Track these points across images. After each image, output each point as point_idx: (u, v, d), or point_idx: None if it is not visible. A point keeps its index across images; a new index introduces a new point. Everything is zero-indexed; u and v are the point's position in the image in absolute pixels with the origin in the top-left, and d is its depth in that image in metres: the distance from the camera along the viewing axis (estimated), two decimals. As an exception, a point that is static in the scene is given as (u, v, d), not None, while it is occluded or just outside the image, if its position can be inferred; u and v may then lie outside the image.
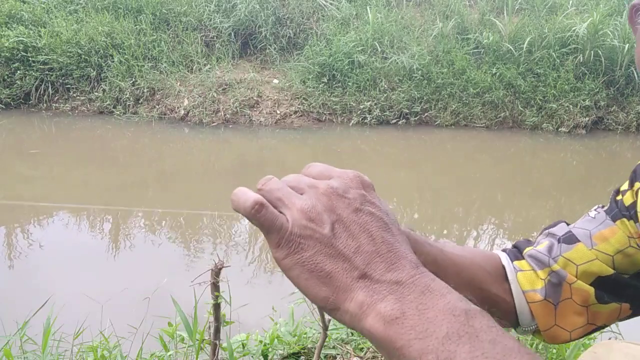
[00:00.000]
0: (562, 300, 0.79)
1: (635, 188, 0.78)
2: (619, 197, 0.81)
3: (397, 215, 4.91)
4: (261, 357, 1.90)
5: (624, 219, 0.79)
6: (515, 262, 0.84)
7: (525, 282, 0.81)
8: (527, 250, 0.84)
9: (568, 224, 0.86)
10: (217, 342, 1.68)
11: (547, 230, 0.87)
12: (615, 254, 0.78)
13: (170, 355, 1.89)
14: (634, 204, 0.77)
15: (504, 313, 0.82)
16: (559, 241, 0.82)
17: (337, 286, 0.45)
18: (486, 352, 0.39)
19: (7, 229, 4.05)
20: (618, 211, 0.80)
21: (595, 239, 0.80)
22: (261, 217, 0.47)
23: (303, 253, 0.46)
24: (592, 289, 0.78)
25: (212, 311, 1.66)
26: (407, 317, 0.42)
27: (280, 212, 0.48)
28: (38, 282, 3.28)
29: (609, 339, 1.91)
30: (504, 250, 0.87)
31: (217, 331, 1.68)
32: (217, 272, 1.57)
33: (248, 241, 4.08)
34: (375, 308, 0.43)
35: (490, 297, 0.80)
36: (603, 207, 0.84)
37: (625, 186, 0.81)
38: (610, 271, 0.78)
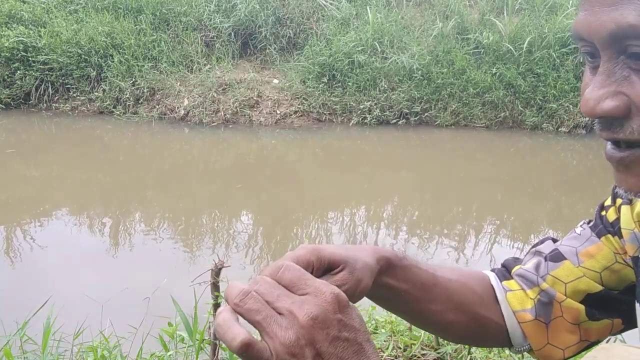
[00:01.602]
0: (553, 318, 0.79)
1: (617, 204, 0.78)
2: (603, 213, 0.81)
3: (398, 215, 4.90)
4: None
5: (609, 235, 0.78)
6: (504, 282, 0.83)
7: (515, 302, 0.81)
8: (516, 269, 0.84)
9: (555, 241, 0.86)
10: (217, 342, 1.69)
11: (534, 249, 0.87)
12: (602, 270, 0.78)
13: (170, 355, 1.89)
14: (618, 220, 0.77)
15: (496, 334, 0.82)
16: (545, 259, 0.82)
17: None
18: None
19: (7, 229, 4.05)
20: (603, 227, 0.79)
21: (581, 256, 0.79)
22: (248, 355, 0.49)
23: None
24: (582, 307, 0.78)
25: (212, 311, 1.66)
26: None
27: (262, 339, 0.50)
28: (38, 282, 3.28)
29: (608, 340, 1.91)
30: (492, 270, 0.87)
31: (217, 331, 1.67)
32: (217, 272, 1.57)
33: (248, 241, 4.09)
34: None
35: (481, 319, 0.81)
36: (590, 222, 0.83)
37: (608, 201, 0.80)
38: (599, 288, 0.78)
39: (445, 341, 1.98)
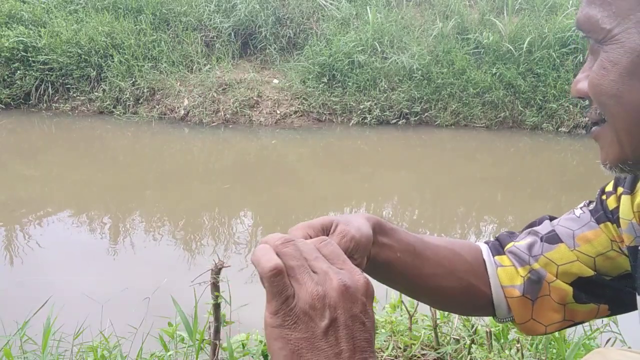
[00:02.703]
0: (540, 296, 0.81)
1: (618, 193, 0.78)
2: (604, 197, 0.81)
3: (398, 215, 4.90)
4: (261, 357, 1.90)
5: (608, 223, 0.79)
6: (496, 257, 0.85)
7: (505, 277, 0.83)
8: (509, 247, 0.85)
9: (552, 219, 0.87)
10: (217, 342, 1.69)
11: (531, 227, 0.87)
12: (597, 255, 0.79)
13: (170, 355, 1.89)
14: (617, 208, 0.78)
15: (482, 304, 0.84)
16: (541, 239, 0.83)
17: None
18: None
19: (7, 229, 4.05)
20: (603, 213, 0.80)
21: (578, 240, 0.80)
22: (275, 282, 0.50)
23: (294, 332, 0.49)
24: (570, 289, 0.79)
25: (212, 311, 1.66)
26: None
27: (290, 284, 0.51)
28: (38, 282, 3.28)
29: (609, 339, 1.91)
30: (486, 243, 0.88)
31: (217, 331, 1.68)
32: (217, 272, 1.57)
33: (248, 241, 4.08)
34: None
35: (469, 287, 0.82)
36: (590, 203, 0.84)
37: (610, 187, 0.81)
38: (591, 272, 0.79)
39: (445, 341, 1.98)
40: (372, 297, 0.54)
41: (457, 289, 0.82)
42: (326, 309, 0.50)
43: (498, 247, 0.87)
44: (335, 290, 0.50)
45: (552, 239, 0.82)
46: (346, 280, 0.51)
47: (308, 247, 0.55)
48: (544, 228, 0.85)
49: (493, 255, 0.85)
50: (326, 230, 0.66)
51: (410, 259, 0.77)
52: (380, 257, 0.74)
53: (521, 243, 0.84)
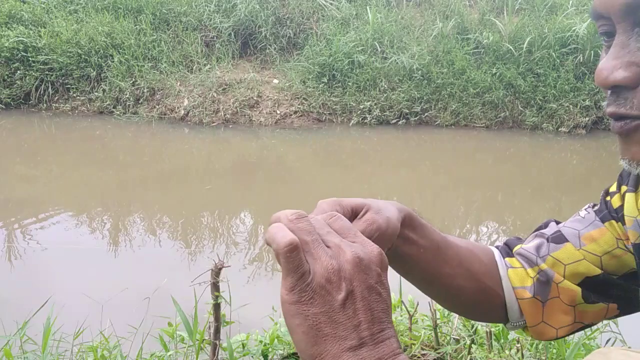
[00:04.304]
0: (550, 298, 0.80)
1: (622, 191, 0.79)
2: (608, 198, 0.81)
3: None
4: (261, 357, 1.90)
5: (612, 221, 0.79)
6: (507, 259, 0.85)
7: (516, 278, 0.82)
8: (517, 248, 0.85)
9: (558, 223, 0.87)
10: (217, 342, 1.69)
11: (537, 231, 0.88)
12: (603, 254, 0.79)
13: (170, 355, 1.89)
14: (622, 207, 0.78)
15: (495, 307, 0.84)
16: (547, 240, 0.83)
17: (328, 350, 0.48)
18: None
19: (7, 229, 4.05)
20: (607, 212, 0.80)
21: (583, 239, 0.80)
22: (291, 258, 0.50)
23: (311, 308, 0.49)
24: (579, 289, 0.79)
25: (212, 311, 1.66)
26: None
27: (306, 259, 0.51)
28: (38, 282, 3.28)
29: (609, 339, 1.91)
30: (496, 247, 0.88)
31: (217, 331, 1.68)
32: (217, 272, 1.57)
33: (248, 241, 4.08)
34: None
35: (486, 289, 0.82)
36: (594, 205, 0.84)
37: (614, 187, 0.81)
38: (598, 271, 0.79)
39: (445, 341, 1.98)
40: (386, 268, 0.53)
41: (473, 290, 0.81)
42: (342, 281, 0.49)
43: (507, 250, 0.87)
44: (349, 262, 0.50)
45: (558, 238, 0.82)
46: (359, 252, 0.51)
47: (319, 223, 0.54)
48: (550, 229, 0.85)
49: (503, 257, 0.85)
50: (355, 213, 0.66)
51: (432, 257, 0.77)
52: (402, 249, 0.74)
53: (529, 245, 0.84)
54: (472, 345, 1.89)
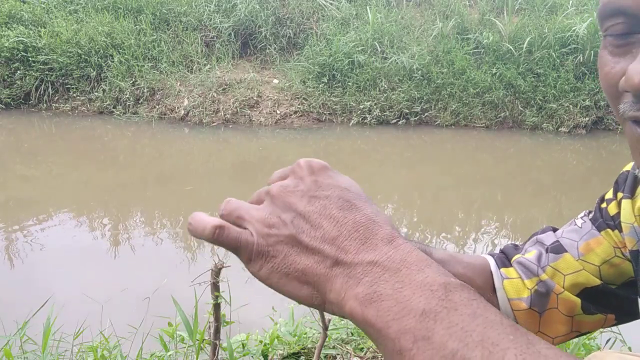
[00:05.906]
0: (548, 309, 0.80)
1: (618, 198, 0.78)
2: (603, 205, 0.81)
3: (398, 214, 4.89)
4: (261, 357, 1.90)
5: (609, 230, 0.79)
6: (503, 269, 0.84)
7: (512, 290, 0.81)
8: (516, 258, 0.84)
9: (555, 231, 0.86)
10: (217, 342, 1.68)
11: (535, 237, 0.87)
12: (602, 264, 0.78)
13: (170, 355, 1.89)
14: (618, 214, 0.77)
15: None
16: (547, 250, 0.82)
17: (316, 280, 0.44)
18: (465, 325, 0.38)
19: (7, 229, 4.05)
20: (602, 221, 0.80)
21: (581, 249, 0.80)
22: (224, 238, 0.47)
23: (274, 260, 0.46)
24: (578, 300, 0.79)
25: (212, 311, 1.66)
26: (384, 298, 0.41)
27: (245, 229, 0.48)
28: (38, 282, 3.28)
29: (609, 340, 1.91)
30: (491, 255, 0.87)
31: (217, 331, 1.68)
32: (217, 272, 1.57)
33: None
34: (352, 293, 0.42)
35: None
36: (590, 212, 0.83)
37: (610, 194, 0.81)
38: (597, 282, 0.78)
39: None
40: (322, 169, 0.50)
41: None
42: (281, 215, 0.47)
43: (504, 259, 0.86)
44: (276, 196, 0.48)
45: (557, 249, 0.82)
46: (284, 182, 0.49)
47: (254, 194, 0.53)
48: (549, 239, 0.84)
49: (499, 267, 0.84)
50: None
51: None
52: None
53: (529, 255, 0.83)
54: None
